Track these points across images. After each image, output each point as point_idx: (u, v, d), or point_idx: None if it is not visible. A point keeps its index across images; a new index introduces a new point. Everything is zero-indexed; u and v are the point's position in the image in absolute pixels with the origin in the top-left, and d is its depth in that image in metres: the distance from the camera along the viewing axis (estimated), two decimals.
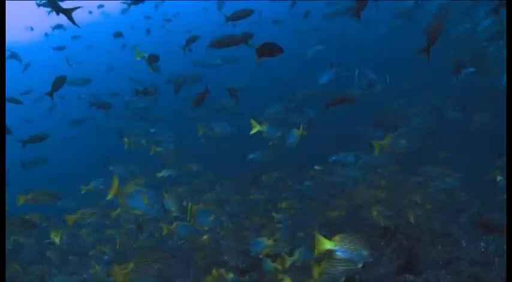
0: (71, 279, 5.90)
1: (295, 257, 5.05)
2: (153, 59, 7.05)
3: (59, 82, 6.87)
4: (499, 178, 6.97)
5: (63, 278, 6.10)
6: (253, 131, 6.44)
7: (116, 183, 4.40)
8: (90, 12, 17.91)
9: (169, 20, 18.66)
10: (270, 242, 5.41)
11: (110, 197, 4.44)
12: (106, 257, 7.52)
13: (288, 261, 5.03)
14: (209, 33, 9.93)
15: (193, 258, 7.14)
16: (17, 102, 9.61)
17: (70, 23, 5.48)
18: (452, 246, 6.08)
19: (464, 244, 5.99)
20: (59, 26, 15.89)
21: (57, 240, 5.14)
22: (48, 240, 5.31)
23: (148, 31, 15.33)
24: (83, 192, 7.66)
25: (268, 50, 4.85)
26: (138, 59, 6.92)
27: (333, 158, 7.41)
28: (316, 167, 8.77)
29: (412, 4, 10.72)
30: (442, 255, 5.96)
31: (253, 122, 6.39)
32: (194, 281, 6.49)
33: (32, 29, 19.99)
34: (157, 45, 16.26)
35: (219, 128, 7.86)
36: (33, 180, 12.87)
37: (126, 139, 8.81)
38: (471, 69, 8.36)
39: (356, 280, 5.88)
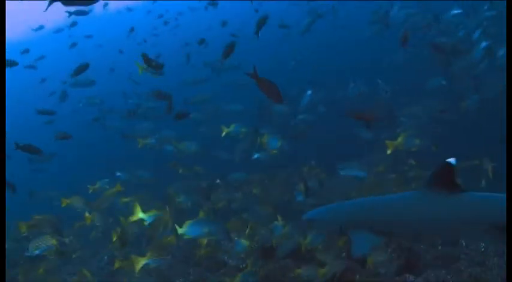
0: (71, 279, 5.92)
1: (308, 240, 5.53)
2: (156, 66, 7.19)
3: (82, 68, 7.60)
4: (483, 183, 7.22)
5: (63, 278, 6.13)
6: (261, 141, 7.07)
7: (137, 208, 5.23)
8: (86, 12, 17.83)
9: (167, 23, 18.71)
10: (248, 243, 5.78)
11: (133, 219, 5.30)
12: (106, 257, 7.57)
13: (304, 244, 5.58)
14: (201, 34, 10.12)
15: (194, 258, 7.17)
16: (50, 113, 10.01)
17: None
18: (452, 246, 6.07)
19: (464, 244, 5.98)
20: (74, 24, 16.01)
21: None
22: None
23: (145, 40, 15.58)
24: (90, 191, 7.85)
25: (270, 90, 5.02)
26: (141, 73, 7.11)
27: (341, 171, 7.53)
28: (312, 162, 9.00)
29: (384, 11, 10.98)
30: (442, 255, 5.96)
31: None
32: (194, 280, 6.50)
33: (40, 27, 20.03)
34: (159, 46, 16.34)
35: (243, 128, 7.96)
36: (37, 180, 12.95)
37: (140, 140, 9.04)
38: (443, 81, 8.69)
39: (356, 280, 5.89)
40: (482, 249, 5.84)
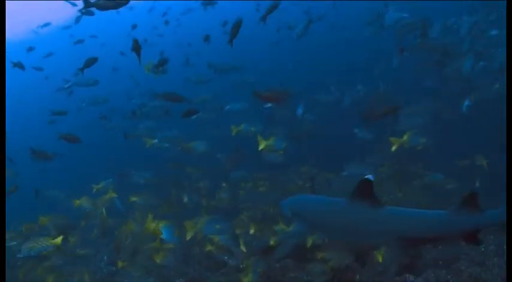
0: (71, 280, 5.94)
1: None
2: (161, 64, 7.23)
3: (91, 62, 7.78)
4: (477, 183, 7.42)
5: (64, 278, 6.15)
6: (261, 148, 6.99)
7: (150, 220, 5.49)
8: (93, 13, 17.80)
9: (168, 22, 18.68)
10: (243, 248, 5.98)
11: (148, 230, 5.51)
12: (105, 257, 7.58)
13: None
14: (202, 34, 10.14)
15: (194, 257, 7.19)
16: (62, 113, 10.14)
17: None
18: (452, 246, 6.06)
19: (464, 244, 5.96)
20: (78, 19, 16.07)
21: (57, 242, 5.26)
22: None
23: (146, 40, 15.66)
24: (94, 191, 7.89)
25: (274, 99, 5.25)
26: (148, 72, 7.17)
27: (346, 171, 7.66)
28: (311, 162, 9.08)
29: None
30: (442, 255, 5.96)
31: (259, 138, 6.92)
32: (194, 281, 6.50)
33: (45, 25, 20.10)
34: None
35: (253, 127, 7.99)
36: (41, 179, 12.98)
37: (147, 140, 9.12)
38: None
39: (356, 280, 5.89)
40: (482, 249, 5.84)
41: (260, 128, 8.00)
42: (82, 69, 7.89)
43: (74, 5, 15.37)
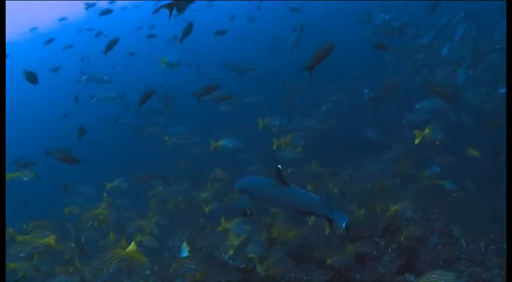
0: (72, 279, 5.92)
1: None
2: (187, 32, 7.26)
3: (112, 43, 8.25)
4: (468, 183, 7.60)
5: (64, 278, 6.12)
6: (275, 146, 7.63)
7: (224, 223, 6.06)
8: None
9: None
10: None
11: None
12: None
13: None
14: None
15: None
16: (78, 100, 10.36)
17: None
18: (452, 246, 6.06)
19: (464, 244, 5.97)
20: (89, 5, 16.09)
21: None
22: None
23: (148, 37, 15.61)
24: (107, 189, 8.17)
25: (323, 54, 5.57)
26: (164, 67, 7.30)
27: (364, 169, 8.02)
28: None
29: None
30: (442, 255, 5.96)
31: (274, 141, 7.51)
32: (194, 281, 6.50)
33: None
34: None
35: (278, 121, 8.16)
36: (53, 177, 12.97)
37: (167, 138, 9.45)
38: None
39: (356, 280, 5.90)
40: (482, 249, 5.84)
41: (284, 122, 8.12)
42: (106, 52, 8.29)
43: (92, 5, 15.47)
